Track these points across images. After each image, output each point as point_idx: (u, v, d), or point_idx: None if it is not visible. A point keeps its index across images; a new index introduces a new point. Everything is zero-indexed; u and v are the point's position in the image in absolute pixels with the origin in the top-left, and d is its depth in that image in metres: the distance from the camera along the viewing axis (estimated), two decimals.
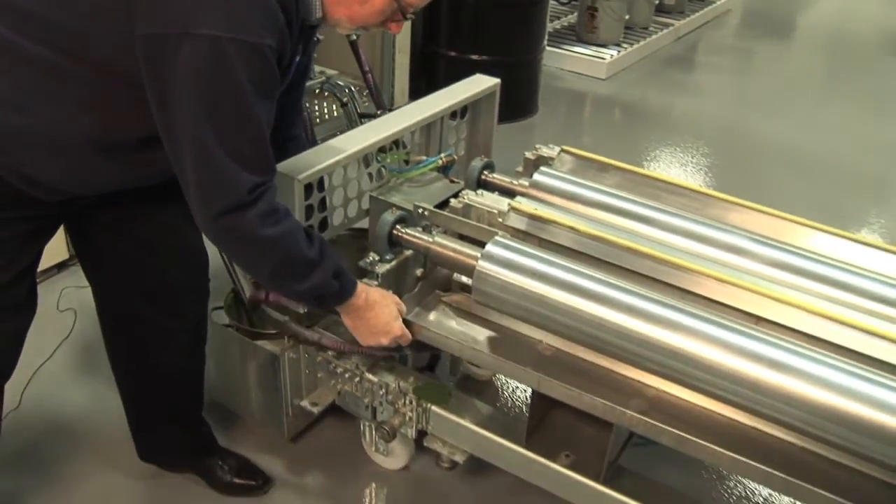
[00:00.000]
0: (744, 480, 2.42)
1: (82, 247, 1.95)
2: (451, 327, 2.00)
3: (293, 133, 2.07)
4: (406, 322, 1.94)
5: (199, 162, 1.53)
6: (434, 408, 2.07)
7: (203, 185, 1.56)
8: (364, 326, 1.88)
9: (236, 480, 2.25)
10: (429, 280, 2.10)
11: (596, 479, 1.89)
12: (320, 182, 2.11)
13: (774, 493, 2.38)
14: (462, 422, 2.05)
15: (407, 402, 2.09)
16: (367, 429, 2.34)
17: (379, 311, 1.86)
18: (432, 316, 2.03)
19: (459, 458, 2.13)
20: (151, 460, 2.29)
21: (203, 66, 1.44)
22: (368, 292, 1.85)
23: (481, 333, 1.97)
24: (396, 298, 1.93)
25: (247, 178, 1.55)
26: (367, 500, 2.32)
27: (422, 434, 2.15)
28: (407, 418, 2.11)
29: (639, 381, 1.80)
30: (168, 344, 2.07)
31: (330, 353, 2.09)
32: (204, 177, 1.55)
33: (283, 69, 1.62)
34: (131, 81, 1.50)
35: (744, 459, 1.65)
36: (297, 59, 1.74)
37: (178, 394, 2.17)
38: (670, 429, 1.70)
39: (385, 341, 1.90)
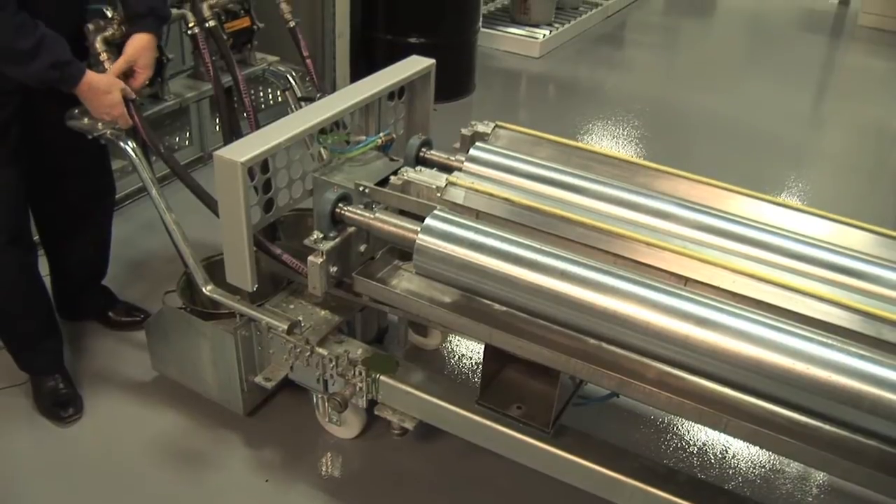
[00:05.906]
0: (679, 433, 2.56)
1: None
2: (408, 288, 2.07)
3: None
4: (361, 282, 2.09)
5: None
6: (383, 377, 2.15)
7: None
8: (91, 106, 2.18)
9: (125, 319, 2.81)
10: (391, 251, 2.17)
11: (545, 427, 1.99)
12: (264, 164, 2.16)
13: (709, 442, 2.53)
14: (410, 389, 2.13)
15: (356, 373, 2.17)
16: (320, 401, 2.40)
17: (102, 98, 2.15)
18: (392, 282, 2.10)
19: (409, 425, 2.22)
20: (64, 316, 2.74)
21: None
22: (93, 82, 2.12)
23: (436, 295, 2.03)
24: (122, 85, 2.20)
25: None
26: (324, 469, 2.39)
27: (372, 403, 2.23)
28: (357, 389, 2.19)
29: (580, 338, 1.87)
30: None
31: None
32: None
33: None
34: None
35: (677, 398, 1.74)
36: None
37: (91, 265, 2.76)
38: (611, 373, 1.79)
39: (108, 119, 2.21)
